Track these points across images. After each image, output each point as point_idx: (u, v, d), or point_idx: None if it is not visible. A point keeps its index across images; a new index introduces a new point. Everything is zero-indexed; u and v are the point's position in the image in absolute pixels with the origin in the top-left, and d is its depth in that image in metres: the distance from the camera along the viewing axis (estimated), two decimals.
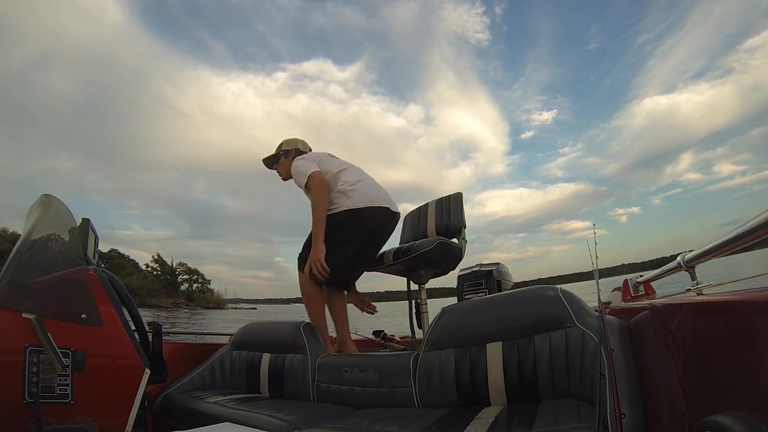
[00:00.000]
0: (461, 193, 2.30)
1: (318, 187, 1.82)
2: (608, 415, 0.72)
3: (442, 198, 2.34)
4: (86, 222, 1.54)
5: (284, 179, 2.11)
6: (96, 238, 1.61)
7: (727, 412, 0.45)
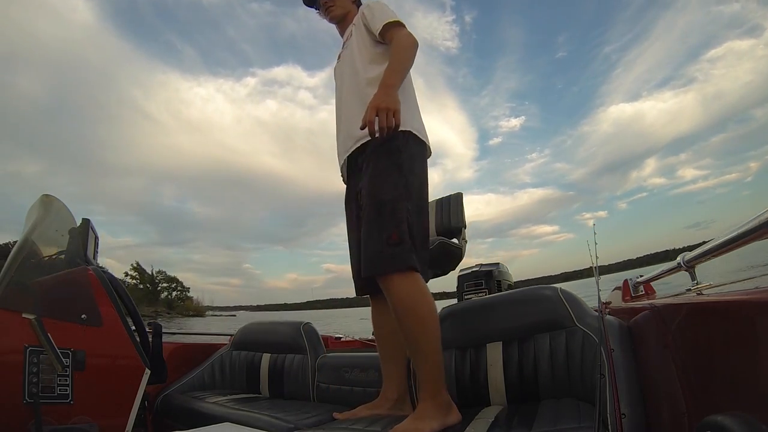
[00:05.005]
0: (461, 194, 2.30)
1: (414, 44, 1.33)
2: (608, 415, 0.72)
3: (442, 198, 2.34)
4: (86, 222, 1.53)
5: (330, 18, 1.53)
6: (96, 238, 1.61)
7: (727, 412, 0.45)
